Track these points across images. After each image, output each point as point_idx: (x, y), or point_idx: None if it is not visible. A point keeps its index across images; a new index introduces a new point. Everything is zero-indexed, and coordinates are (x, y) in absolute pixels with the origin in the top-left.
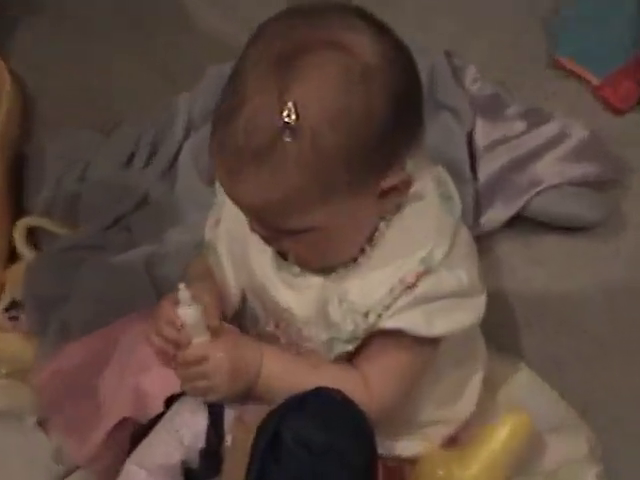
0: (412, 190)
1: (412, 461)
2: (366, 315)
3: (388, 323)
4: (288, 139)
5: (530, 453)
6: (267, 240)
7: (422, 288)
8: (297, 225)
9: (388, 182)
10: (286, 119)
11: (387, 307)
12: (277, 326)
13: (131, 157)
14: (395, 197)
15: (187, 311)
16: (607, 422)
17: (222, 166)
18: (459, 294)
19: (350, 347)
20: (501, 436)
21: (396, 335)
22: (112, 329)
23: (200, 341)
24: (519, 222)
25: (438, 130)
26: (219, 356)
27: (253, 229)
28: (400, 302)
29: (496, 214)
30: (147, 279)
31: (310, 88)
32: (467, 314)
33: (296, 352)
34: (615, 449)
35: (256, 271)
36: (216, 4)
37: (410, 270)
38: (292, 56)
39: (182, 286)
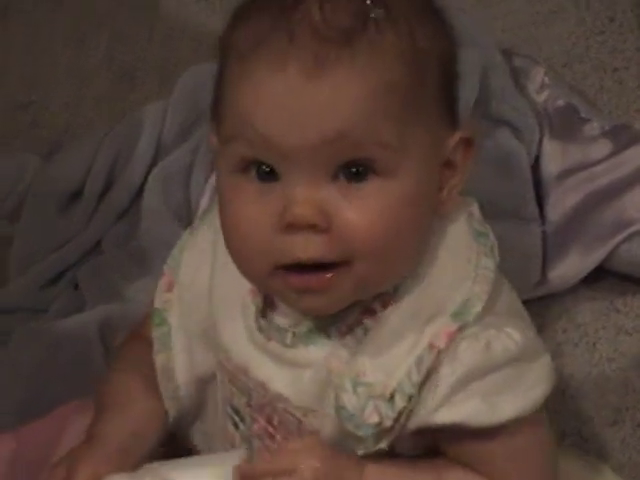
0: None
1: None
2: (391, 399)
3: (439, 417)
4: (380, 13)
5: None
6: (309, 204)
7: (469, 360)
8: (389, 138)
9: (457, 136)
10: None
11: (417, 385)
12: (269, 422)
13: (79, 190)
14: (453, 181)
15: None
16: None
17: (295, 65)
18: (518, 358)
19: (382, 444)
20: None
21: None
22: (54, 418)
23: None
24: (602, 277)
25: (494, 152)
26: (313, 465)
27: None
28: (444, 385)
29: (571, 266)
30: (101, 350)
31: None
32: (536, 384)
33: None
34: None
35: (232, 350)
36: None
37: (439, 330)
38: None
39: None
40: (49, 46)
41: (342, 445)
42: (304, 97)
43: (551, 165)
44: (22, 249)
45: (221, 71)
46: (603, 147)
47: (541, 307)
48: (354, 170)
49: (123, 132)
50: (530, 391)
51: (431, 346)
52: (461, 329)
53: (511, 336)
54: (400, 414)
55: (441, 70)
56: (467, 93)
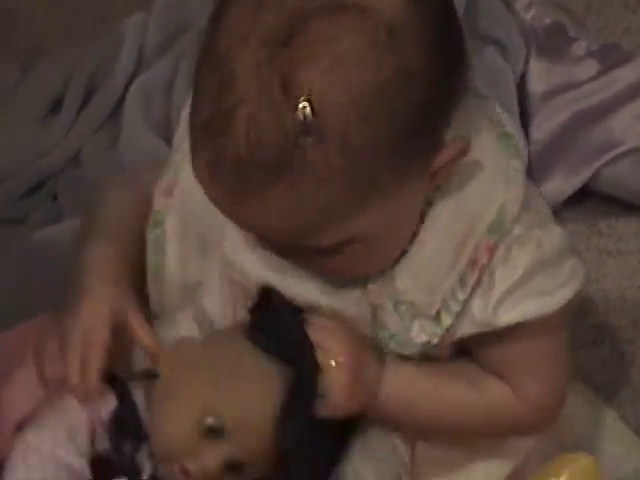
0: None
1: None
2: (437, 317)
3: (501, 319)
4: (308, 144)
5: None
6: (291, 259)
7: (523, 262)
8: (335, 239)
9: (443, 157)
10: (300, 118)
11: (462, 302)
12: None
13: (58, 101)
14: (450, 168)
15: None
16: None
17: (220, 188)
18: (563, 250)
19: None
20: None
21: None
22: (21, 331)
23: None
24: (586, 198)
25: (480, 70)
26: (340, 360)
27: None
28: (501, 290)
29: (555, 187)
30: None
31: (324, 71)
32: (574, 272)
33: None
34: None
35: (249, 272)
36: None
37: (478, 245)
38: (290, 31)
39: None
40: None
41: None
42: (237, 212)
43: (537, 84)
44: (1, 159)
45: None
46: (590, 67)
47: None
48: None
49: (104, 43)
50: (573, 279)
51: (473, 262)
52: (500, 240)
53: (555, 231)
54: (447, 331)
55: (401, 133)
56: None
